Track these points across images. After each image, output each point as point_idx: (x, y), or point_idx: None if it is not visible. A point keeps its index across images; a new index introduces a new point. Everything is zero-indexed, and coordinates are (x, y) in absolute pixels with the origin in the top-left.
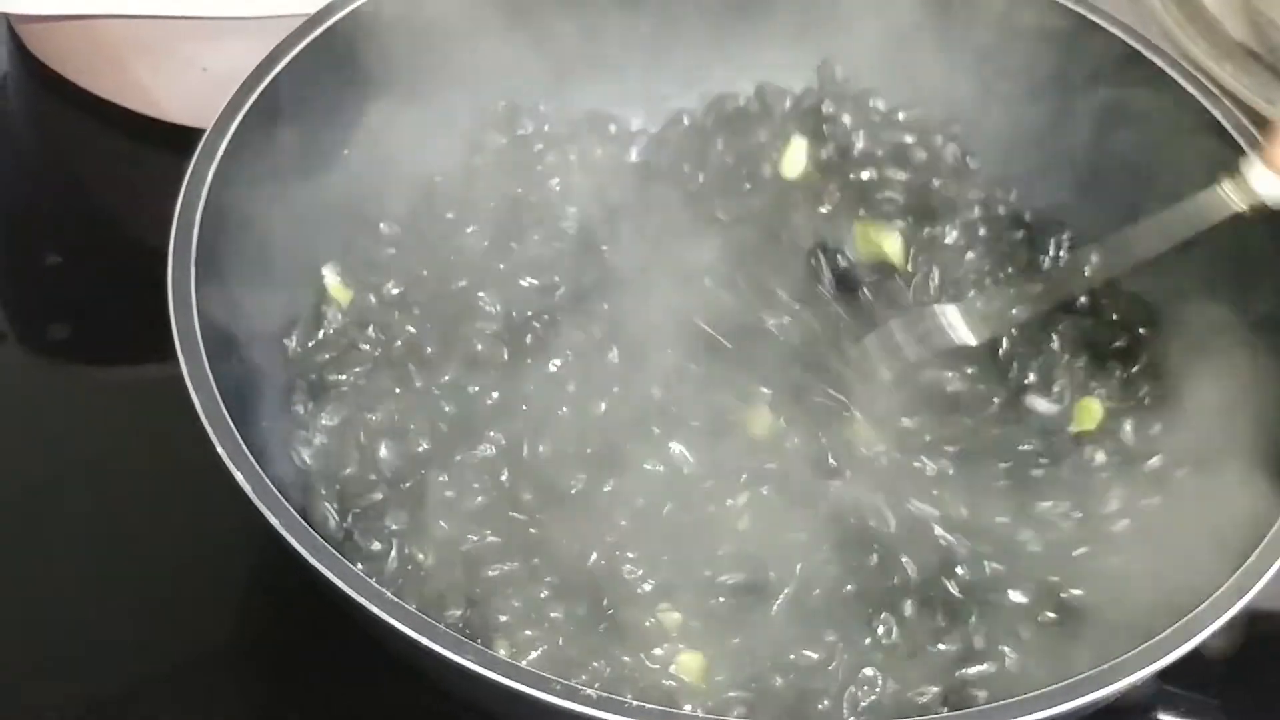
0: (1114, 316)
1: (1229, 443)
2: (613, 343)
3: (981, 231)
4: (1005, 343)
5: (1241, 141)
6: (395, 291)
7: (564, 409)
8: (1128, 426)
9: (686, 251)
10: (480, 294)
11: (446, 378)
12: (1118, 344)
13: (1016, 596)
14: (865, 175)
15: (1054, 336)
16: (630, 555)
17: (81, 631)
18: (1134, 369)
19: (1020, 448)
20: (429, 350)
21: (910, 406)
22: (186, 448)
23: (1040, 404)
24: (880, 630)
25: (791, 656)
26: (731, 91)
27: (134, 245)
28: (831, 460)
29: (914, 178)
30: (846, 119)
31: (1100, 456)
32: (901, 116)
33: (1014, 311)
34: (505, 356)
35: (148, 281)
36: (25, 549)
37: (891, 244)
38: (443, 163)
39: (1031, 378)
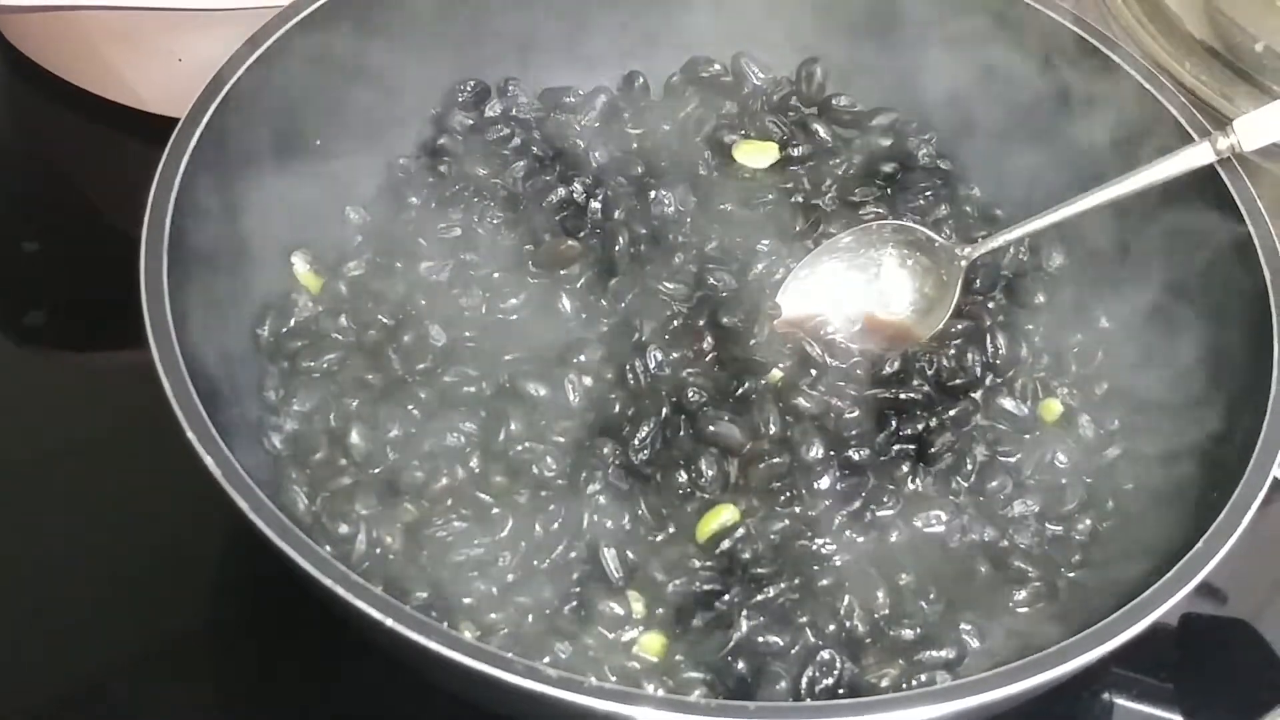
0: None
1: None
2: (586, 328)
3: (947, 231)
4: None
5: (1196, 138)
6: (363, 278)
7: (538, 396)
8: (1085, 420)
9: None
10: (448, 281)
11: (421, 365)
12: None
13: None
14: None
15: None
16: (598, 540)
17: (51, 615)
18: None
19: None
20: (406, 339)
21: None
22: (159, 433)
23: (1008, 404)
24: (843, 616)
25: (760, 640)
26: (707, 56)
27: (110, 233)
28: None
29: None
30: (819, 127)
31: (1061, 456)
32: (878, 121)
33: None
34: (477, 344)
35: (122, 269)
36: None
37: None
38: (410, 148)
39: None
